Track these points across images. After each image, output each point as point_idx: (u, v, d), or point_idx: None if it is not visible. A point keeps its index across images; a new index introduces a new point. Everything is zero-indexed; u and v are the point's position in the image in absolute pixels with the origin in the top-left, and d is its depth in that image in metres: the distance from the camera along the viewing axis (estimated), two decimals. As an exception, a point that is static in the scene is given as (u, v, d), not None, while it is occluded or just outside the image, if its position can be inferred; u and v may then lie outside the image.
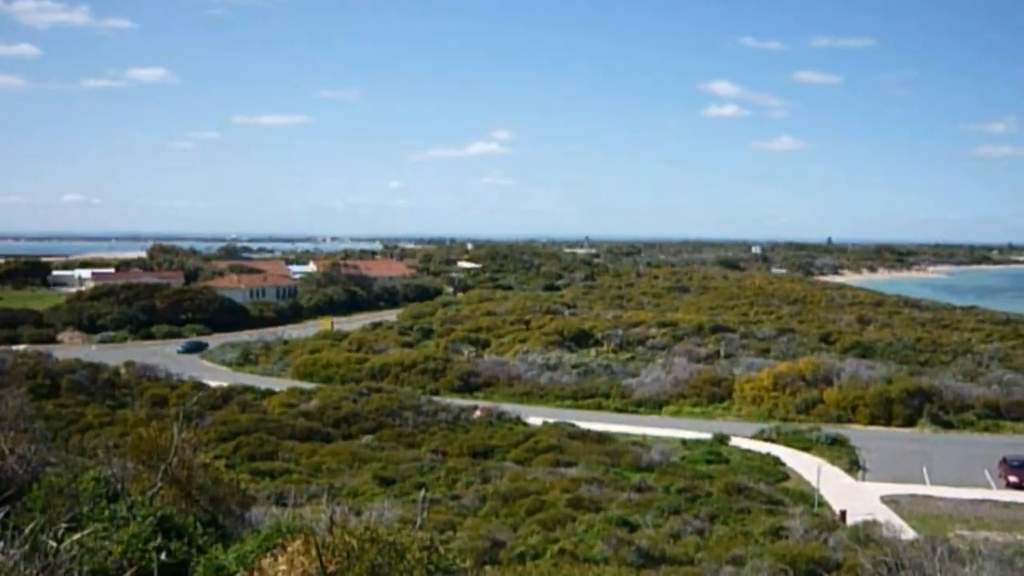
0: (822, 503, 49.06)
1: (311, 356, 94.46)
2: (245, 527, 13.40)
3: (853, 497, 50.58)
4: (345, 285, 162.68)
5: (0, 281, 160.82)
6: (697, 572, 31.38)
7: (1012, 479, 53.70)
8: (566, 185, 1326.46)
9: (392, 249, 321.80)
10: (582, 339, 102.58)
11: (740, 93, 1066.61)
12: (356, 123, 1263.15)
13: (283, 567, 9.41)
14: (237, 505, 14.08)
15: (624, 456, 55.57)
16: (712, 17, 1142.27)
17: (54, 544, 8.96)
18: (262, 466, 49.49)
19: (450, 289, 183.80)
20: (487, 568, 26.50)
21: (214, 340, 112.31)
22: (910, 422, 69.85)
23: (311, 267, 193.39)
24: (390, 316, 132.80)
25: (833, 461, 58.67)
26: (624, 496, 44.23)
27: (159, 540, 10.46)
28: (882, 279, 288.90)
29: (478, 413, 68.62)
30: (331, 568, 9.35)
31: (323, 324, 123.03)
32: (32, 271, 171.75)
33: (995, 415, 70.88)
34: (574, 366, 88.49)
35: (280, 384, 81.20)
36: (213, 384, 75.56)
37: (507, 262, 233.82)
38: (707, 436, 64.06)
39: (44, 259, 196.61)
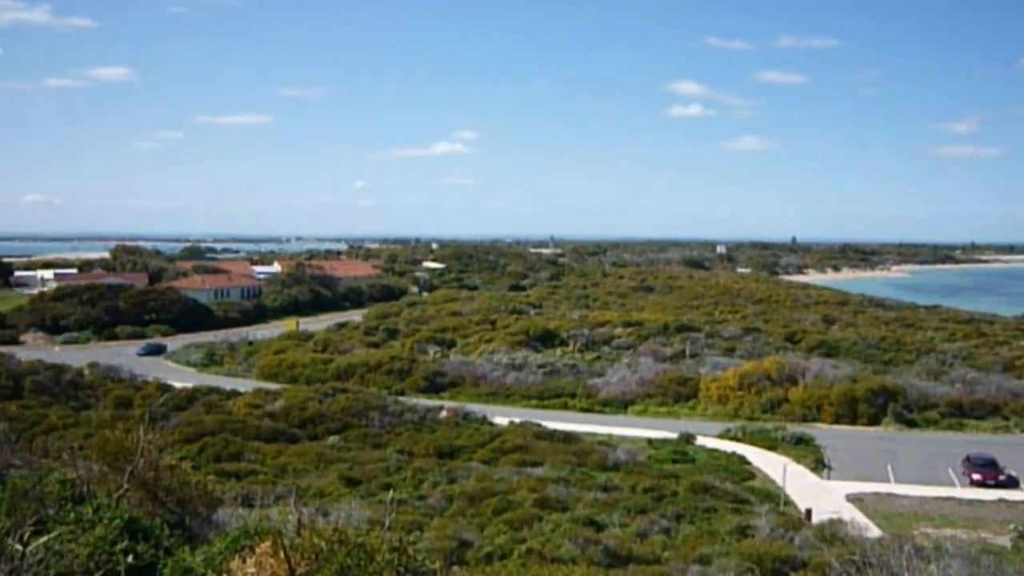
0: (788, 502, 49.31)
1: (276, 357, 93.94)
2: (212, 529, 13.29)
3: (818, 496, 50.87)
4: (310, 285, 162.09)
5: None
6: (664, 571, 31.42)
7: (975, 477, 54.16)
8: (531, 185, 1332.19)
9: (357, 249, 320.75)
10: (548, 339, 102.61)
11: (705, 93, 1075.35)
12: (320, 123, 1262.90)
13: (251, 569, 9.33)
14: (204, 507, 13.96)
15: (590, 456, 55.59)
16: (677, 17, 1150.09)
17: (20, 548, 8.86)
18: (228, 467, 49.10)
19: (415, 289, 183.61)
20: (455, 569, 26.41)
21: (179, 341, 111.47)
22: (875, 421, 70.33)
23: (276, 267, 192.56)
24: (355, 316, 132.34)
25: (798, 460, 59.00)
26: (591, 496, 44.22)
27: (126, 542, 10.35)
28: (846, 278, 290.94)
29: (444, 413, 68.48)
30: (300, 570, 9.28)
31: (288, 324, 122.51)
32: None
33: (959, 413, 71.44)
34: (540, 366, 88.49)
35: (245, 385, 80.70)
36: (178, 385, 74.97)
37: (472, 262, 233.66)
38: (673, 435, 64.22)
39: (5, 260, 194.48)
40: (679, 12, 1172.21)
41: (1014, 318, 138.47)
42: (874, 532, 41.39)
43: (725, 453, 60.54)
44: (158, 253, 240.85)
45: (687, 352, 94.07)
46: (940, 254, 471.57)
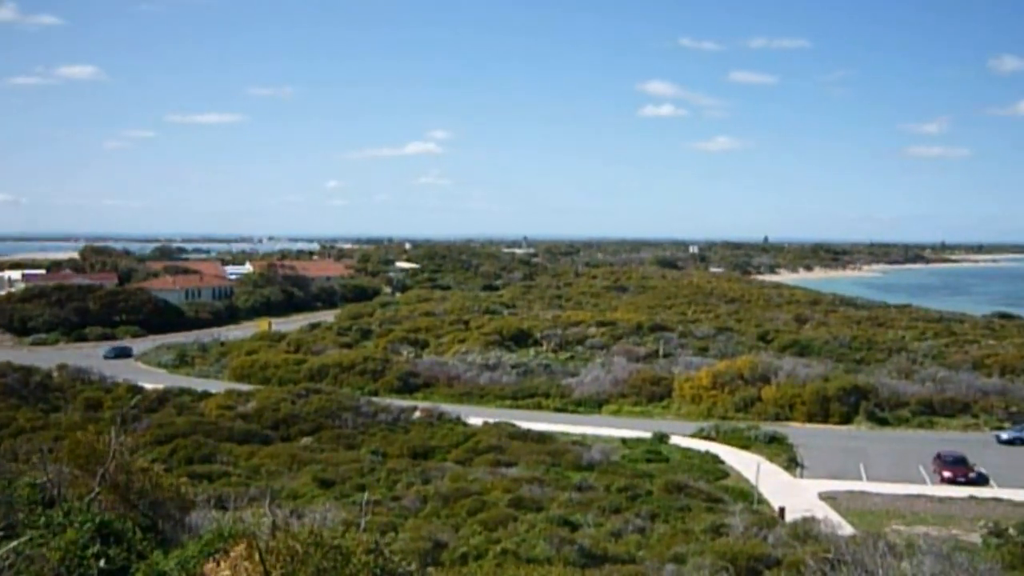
0: (761, 500, 49.48)
1: (248, 358, 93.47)
2: (185, 532, 13.16)
3: (791, 494, 51.06)
4: (282, 286, 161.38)
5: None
6: (639, 570, 31.42)
7: (946, 474, 54.53)
8: (504, 185, 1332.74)
9: (329, 249, 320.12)
10: (521, 339, 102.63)
11: (677, 93, 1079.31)
12: (292, 122, 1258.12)
13: (226, 573, 9.23)
14: (177, 509, 13.83)
15: (565, 455, 55.59)
16: (649, 17, 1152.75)
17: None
18: (200, 469, 48.73)
19: (388, 289, 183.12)
20: (430, 570, 26.33)
21: (149, 342, 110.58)
22: (847, 419, 70.69)
23: (247, 268, 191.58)
24: (328, 317, 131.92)
25: (771, 458, 59.22)
26: (565, 495, 44.19)
27: (98, 547, 10.22)
28: (818, 278, 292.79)
29: (418, 414, 68.30)
30: (275, 573, 9.18)
31: (260, 325, 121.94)
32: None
33: (929, 412, 71.91)
34: (513, 366, 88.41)
35: (217, 386, 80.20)
36: (149, 387, 74.39)
37: (445, 262, 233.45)
38: (647, 435, 64.32)
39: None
40: (652, 12, 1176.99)
41: (983, 317, 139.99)
42: (847, 530, 41.56)
43: (699, 452, 60.69)
44: (128, 253, 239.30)
45: (660, 352, 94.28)
46: (910, 254, 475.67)
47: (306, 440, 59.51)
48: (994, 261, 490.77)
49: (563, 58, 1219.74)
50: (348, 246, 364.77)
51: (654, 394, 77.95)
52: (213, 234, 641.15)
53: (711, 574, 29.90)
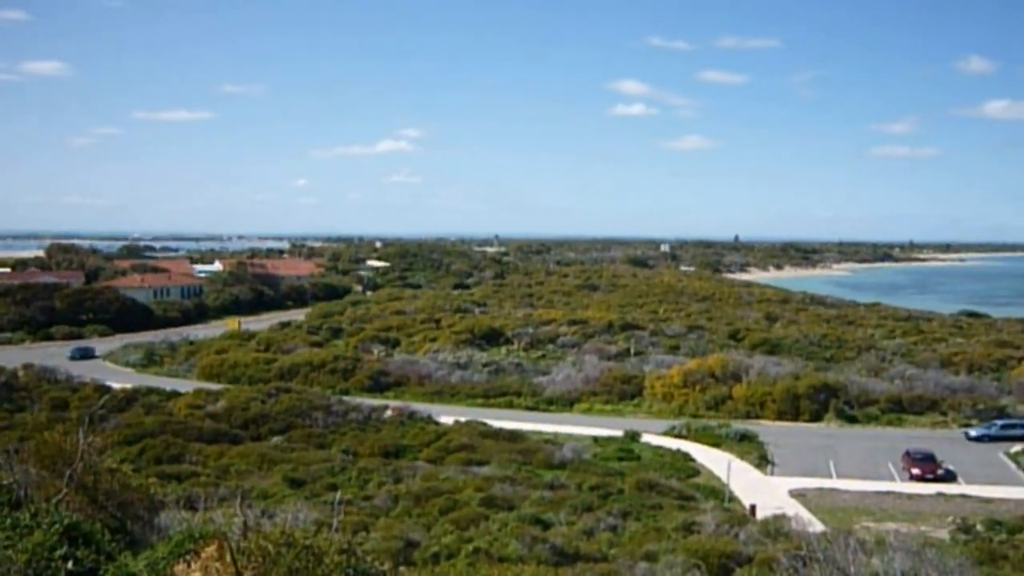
0: (732, 498, 49.68)
1: (218, 357, 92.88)
2: (155, 533, 13.00)
3: (762, 491, 51.27)
4: (252, 284, 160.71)
5: None
6: (611, 568, 31.43)
7: (915, 471, 54.91)
8: (475, 183, 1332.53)
9: (300, 248, 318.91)
10: (492, 337, 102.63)
11: (647, 92, 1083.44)
12: (261, 119, 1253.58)
13: (197, 574, 9.12)
14: (146, 510, 13.67)
15: (536, 454, 55.60)
16: (619, 16, 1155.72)
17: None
18: (169, 469, 48.35)
19: (359, 288, 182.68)
20: (402, 569, 26.21)
21: (117, 341, 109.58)
22: (817, 417, 71.08)
23: (217, 266, 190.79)
24: (298, 315, 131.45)
25: (743, 456, 59.44)
26: (537, 494, 44.20)
27: (65, 548, 10.07)
28: (788, 276, 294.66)
29: (389, 413, 68.12)
30: (247, 574, 9.07)
31: (230, 324, 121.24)
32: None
33: (898, 409, 72.52)
34: (485, 364, 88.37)
35: (186, 385, 79.68)
36: (117, 386, 73.78)
37: (416, 260, 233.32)
38: (618, 433, 64.43)
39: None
40: (622, 12, 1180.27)
41: (951, 316, 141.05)
42: (817, 527, 41.73)
43: (670, 450, 60.82)
44: (95, 252, 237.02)
45: (632, 350, 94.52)
46: (879, 252, 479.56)
47: (276, 439, 59.19)
48: (961, 260, 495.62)
49: (534, 57, 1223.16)
50: (318, 245, 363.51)
51: (625, 392, 78.08)
52: (182, 232, 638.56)
53: (683, 572, 29.95)
